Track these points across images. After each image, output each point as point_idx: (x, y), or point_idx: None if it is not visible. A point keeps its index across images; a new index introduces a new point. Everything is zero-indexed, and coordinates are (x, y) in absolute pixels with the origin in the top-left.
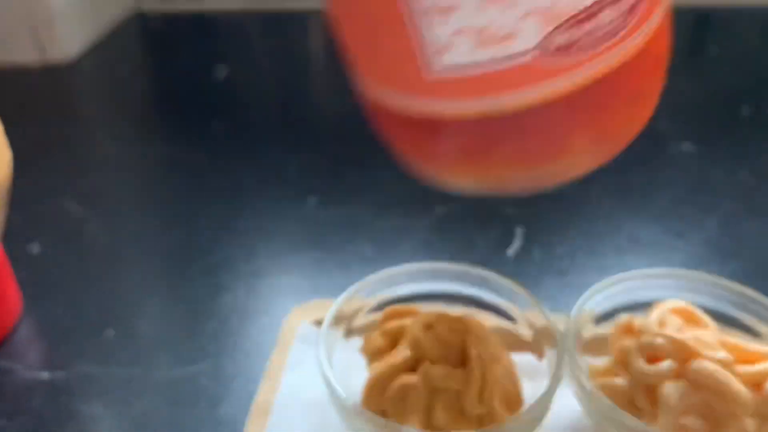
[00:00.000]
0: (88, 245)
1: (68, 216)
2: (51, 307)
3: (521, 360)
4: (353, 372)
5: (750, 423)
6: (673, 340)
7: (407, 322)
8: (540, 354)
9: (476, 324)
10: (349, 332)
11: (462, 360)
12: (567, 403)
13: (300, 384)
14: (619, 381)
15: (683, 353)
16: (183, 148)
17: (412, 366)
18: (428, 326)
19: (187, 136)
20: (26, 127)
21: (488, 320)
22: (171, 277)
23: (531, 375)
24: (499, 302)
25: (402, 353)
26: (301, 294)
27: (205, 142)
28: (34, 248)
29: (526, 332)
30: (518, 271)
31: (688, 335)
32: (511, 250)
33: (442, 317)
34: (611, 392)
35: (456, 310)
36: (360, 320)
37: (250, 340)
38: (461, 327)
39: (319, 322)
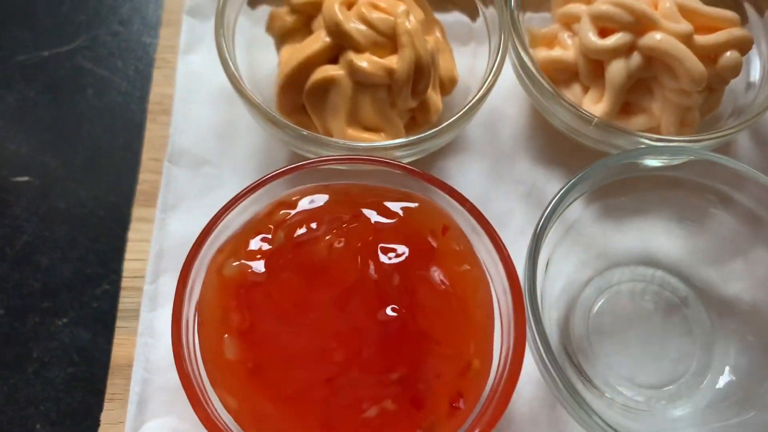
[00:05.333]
0: None
1: None
2: None
3: (450, 20)
4: (260, 53)
5: (698, 97)
6: (631, 9)
7: None
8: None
9: None
10: None
11: (391, 46)
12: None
13: (198, 72)
14: (561, 53)
15: (640, 24)
16: None
17: (331, 55)
18: (349, 3)
19: None
20: None
21: None
22: None
23: (463, 39)
24: None
25: (320, 41)
26: None
27: None
28: None
29: None
30: None
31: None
32: None
33: None
34: (553, 66)
35: None
36: None
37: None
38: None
39: None
